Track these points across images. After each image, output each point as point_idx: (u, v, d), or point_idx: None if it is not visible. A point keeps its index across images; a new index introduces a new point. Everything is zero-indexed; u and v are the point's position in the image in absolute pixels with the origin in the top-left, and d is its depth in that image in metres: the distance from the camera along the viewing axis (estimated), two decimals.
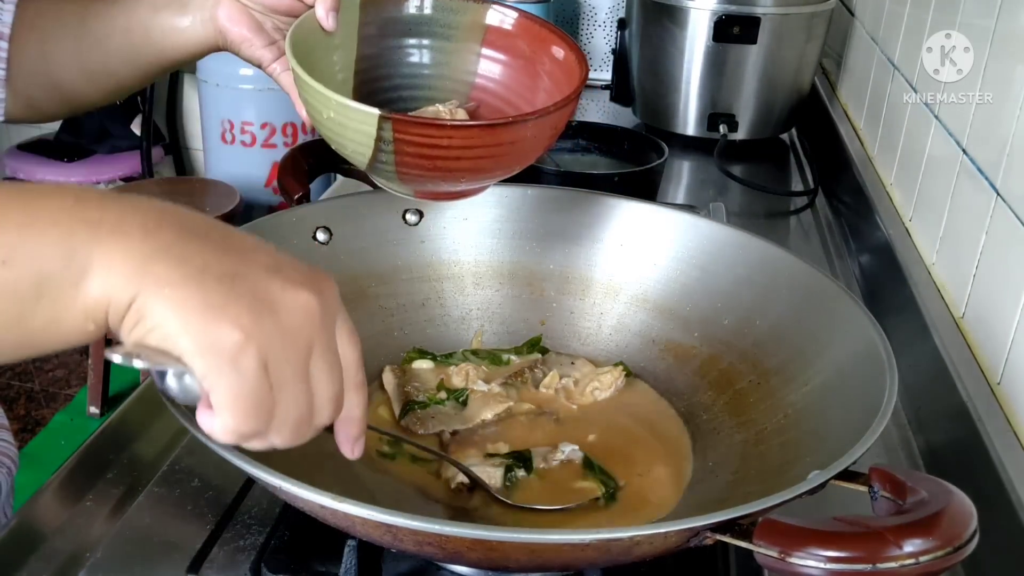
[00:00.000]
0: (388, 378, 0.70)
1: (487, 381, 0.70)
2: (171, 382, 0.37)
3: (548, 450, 0.63)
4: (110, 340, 0.38)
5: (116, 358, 0.36)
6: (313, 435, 0.41)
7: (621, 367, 0.71)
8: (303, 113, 0.65)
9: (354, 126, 0.58)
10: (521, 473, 0.61)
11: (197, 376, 0.37)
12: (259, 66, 0.69)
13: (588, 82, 0.67)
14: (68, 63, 0.71)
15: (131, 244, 0.36)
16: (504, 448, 0.64)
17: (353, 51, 0.68)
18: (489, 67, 0.71)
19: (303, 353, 0.39)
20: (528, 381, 0.71)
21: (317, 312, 0.39)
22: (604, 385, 0.70)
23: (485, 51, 0.71)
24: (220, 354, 0.36)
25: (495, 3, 0.70)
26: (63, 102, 0.74)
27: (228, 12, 0.66)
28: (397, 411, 0.67)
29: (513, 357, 0.75)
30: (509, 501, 0.59)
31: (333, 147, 0.63)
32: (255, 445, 0.40)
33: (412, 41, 0.71)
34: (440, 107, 0.69)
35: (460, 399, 0.69)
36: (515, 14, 0.69)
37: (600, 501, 0.60)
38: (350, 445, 0.44)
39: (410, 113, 0.65)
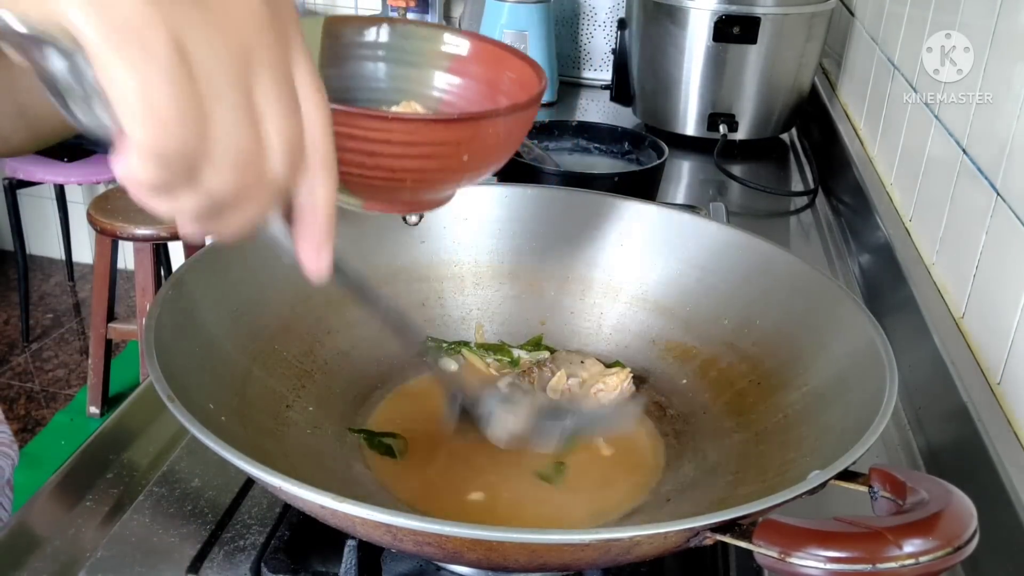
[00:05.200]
0: None
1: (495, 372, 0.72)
2: (55, 66, 0.28)
3: None
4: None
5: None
6: (267, 200, 0.32)
7: (628, 370, 0.71)
8: None
9: None
10: None
11: (89, 55, 0.27)
12: None
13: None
14: (36, 86, 0.69)
15: None
16: (479, 496, 0.62)
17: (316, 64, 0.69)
18: (452, 90, 0.71)
19: (239, 60, 0.30)
20: (536, 382, 0.71)
21: (262, 12, 0.30)
22: (610, 387, 0.70)
23: (448, 76, 0.71)
24: (120, 24, 0.27)
25: (450, 29, 0.71)
26: (29, 131, 0.70)
27: None
28: None
29: (523, 354, 0.75)
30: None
31: None
32: (188, 199, 0.30)
33: (377, 65, 0.72)
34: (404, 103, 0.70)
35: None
36: (467, 41, 0.70)
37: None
38: (314, 250, 0.35)
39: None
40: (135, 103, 0.27)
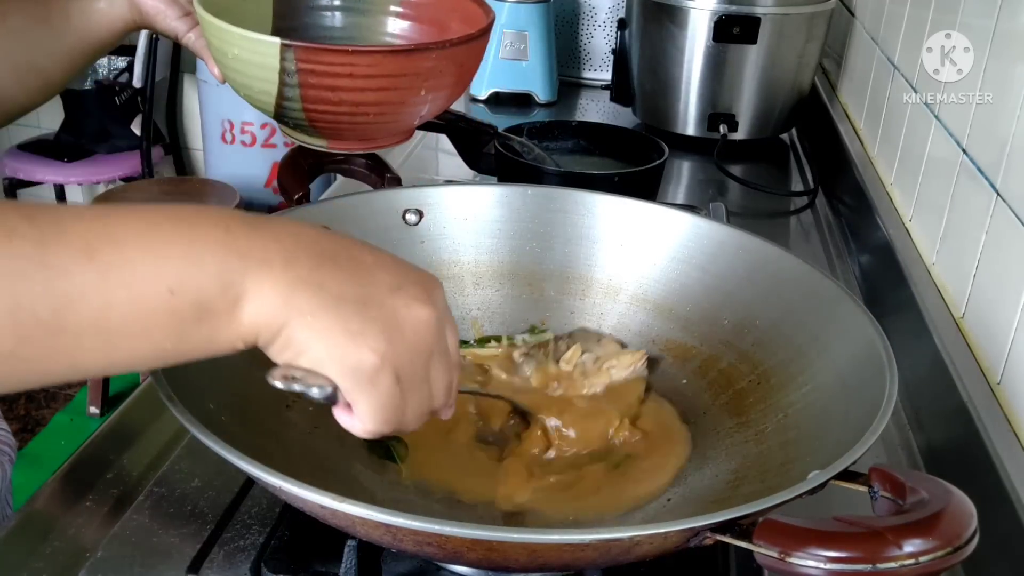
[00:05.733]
0: None
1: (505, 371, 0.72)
2: (315, 393, 0.42)
3: None
4: None
5: (278, 384, 0.42)
6: (425, 419, 0.48)
7: (644, 352, 0.71)
8: (215, 71, 0.68)
9: (258, 60, 0.60)
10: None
11: (343, 393, 0.43)
12: (175, 38, 0.71)
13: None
14: (46, 39, 0.72)
15: (275, 275, 0.41)
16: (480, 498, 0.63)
17: (269, 20, 0.73)
18: (402, 34, 0.77)
19: (425, 361, 0.45)
20: (550, 354, 0.71)
21: (434, 324, 0.45)
22: (622, 364, 0.70)
23: (399, 21, 0.77)
24: (361, 375, 0.42)
25: None
26: (41, 82, 0.74)
27: None
28: None
29: (526, 337, 0.75)
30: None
31: (242, 95, 0.65)
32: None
33: (327, 15, 0.77)
34: None
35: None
36: None
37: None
38: (447, 410, 0.50)
39: None
40: (368, 415, 0.44)
